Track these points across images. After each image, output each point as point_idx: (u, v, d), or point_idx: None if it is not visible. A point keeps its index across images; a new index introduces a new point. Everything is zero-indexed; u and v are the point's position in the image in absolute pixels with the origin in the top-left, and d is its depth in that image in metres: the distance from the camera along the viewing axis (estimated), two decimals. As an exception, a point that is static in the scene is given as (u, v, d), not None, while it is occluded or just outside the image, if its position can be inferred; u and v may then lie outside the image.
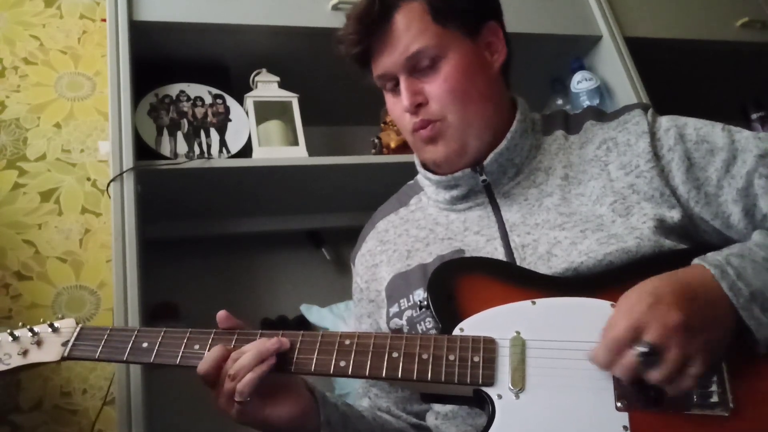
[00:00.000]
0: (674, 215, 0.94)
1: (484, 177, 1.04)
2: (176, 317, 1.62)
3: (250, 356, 0.85)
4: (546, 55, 1.87)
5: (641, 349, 0.73)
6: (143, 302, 1.25)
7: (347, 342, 0.87)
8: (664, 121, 1.02)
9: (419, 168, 1.14)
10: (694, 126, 1.00)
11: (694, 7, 2.04)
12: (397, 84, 1.04)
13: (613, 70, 1.83)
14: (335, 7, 1.59)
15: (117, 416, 1.16)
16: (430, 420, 1.05)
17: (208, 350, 0.89)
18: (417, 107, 1.01)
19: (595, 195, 0.99)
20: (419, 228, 1.11)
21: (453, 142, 1.02)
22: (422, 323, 1.00)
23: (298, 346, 0.89)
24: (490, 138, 1.04)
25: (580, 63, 1.88)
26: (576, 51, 1.91)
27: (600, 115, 1.10)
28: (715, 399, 0.76)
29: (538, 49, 1.82)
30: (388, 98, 1.08)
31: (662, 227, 0.93)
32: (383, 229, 1.17)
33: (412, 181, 1.22)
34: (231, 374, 0.85)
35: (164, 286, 1.60)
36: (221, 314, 0.93)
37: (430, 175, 1.10)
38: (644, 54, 1.85)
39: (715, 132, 0.98)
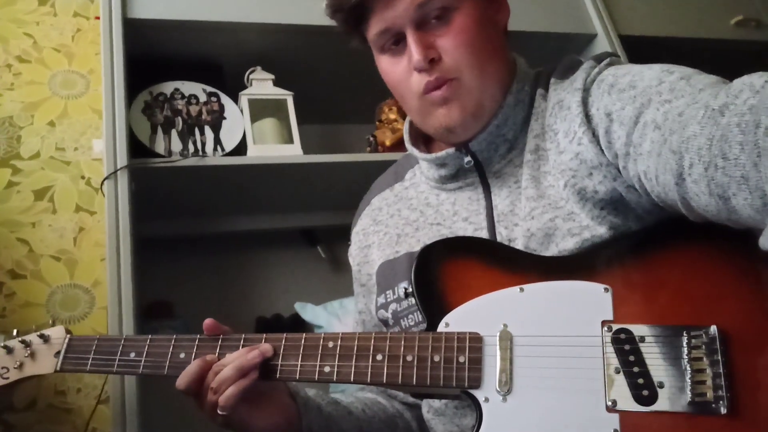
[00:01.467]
0: (618, 186, 0.84)
1: (469, 159, 0.96)
2: (171, 316, 1.62)
3: (230, 370, 0.84)
4: (540, 53, 1.87)
5: None
6: (138, 301, 1.24)
7: (330, 344, 0.86)
8: (607, 71, 0.89)
9: (408, 144, 1.06)
10: (635, 72, 0.84)
11: (689, 5, 2.05)
12: (399, 43, 0.93)
13: (607, 68, 1.83)
14: (330, 5, 1.58)
15: (111, 415, 1.16)
16: (424, 412, 1.04)
17: (194, 358, 0.88)
18: (429, 63, 0.90)
19: (557, 173, 0.89)
20: (411, 209, 1.06)
21: (469, 103, 0.92)
22: (405, 319, 0.98)
23: (281, 351, 0.87)
24: (501, 101, 0.95)
25: (575, 61, 1.88)
26: (570, 49, 1.91)
27: (566, 71, 0.97)
28: (710, 397, 0.70)
29: (532, 47, 1.81)
30: (385, 60, 0.96)
31: (622, 201, 0.84)
32: (377, 206, 1.14)
33: (410, 153, 1.11)
34: (213, 388, 0.84)
35: (159, 284, 1.60)
36: (207, 323, 0.91)
37: (417, 152, 1.03)
38: (639, 52, 1.85)
39: (651, 74, 0.82)
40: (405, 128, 1.08)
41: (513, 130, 0.96)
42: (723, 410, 0.70)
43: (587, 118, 0.86)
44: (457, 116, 0.93)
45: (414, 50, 0.90)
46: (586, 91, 0.88)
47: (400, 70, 0.94)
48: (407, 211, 1.07)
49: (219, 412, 0.83)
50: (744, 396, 0.70)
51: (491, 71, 0.94)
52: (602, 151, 0.84)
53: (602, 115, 0.84)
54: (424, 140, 1.08)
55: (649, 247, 0.81)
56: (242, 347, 0.88)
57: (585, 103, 0.87)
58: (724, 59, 2.13)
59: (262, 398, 0.89)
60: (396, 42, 0.94)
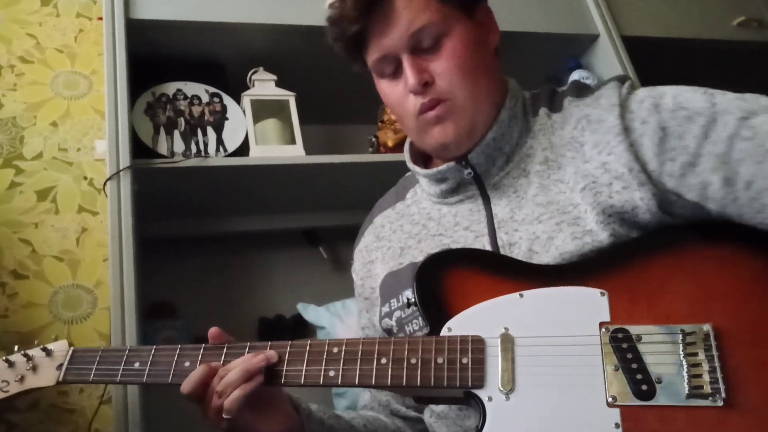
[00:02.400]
0: (643, 195, 0.87)
1: (469, 170, 1.01)
2: (173, 316, 1.62)
3: (236, 373, 0.84)
4: (543, 54, 1.87)
5: None
6: (140, 301, 1.25)
7: (335, 350, 0.87)
8: (641, 92, 0.95)
9: (408, 162, 1.11)
10: (672, 94, 0.92)
11: (691, 6, 2.04)
12: (396, 68, 0.99)
13: (610, 69, 1.83)
14: (332, 6, 1.58)
15: (114, 415, 1.16)
16: (426, 417, 1.05)
17: (199, 365, 0.88)
18: (424, 86, 0.96)
19: (572, 181, 0.94)
20: (413, 224, 1.10)
21: (462, 121, 0.97)
22: (410, 324, 0.99)
23: (286, 357, 0.88)
24: (494, 118, 1.00)
25: (577, 62, 1.88)
26: (573, 50, 1.91)
27: (580, 91, 1.03)
28: (707, 390, 0.75)
29: (534, 47, 1.82)
30: (384, 84, 1.02)
31: (631, 218, 0.88)
32: (380, 224, 1.17)
33: (410, 173, 1.18)
34: (218, 391, 0.84)
35: (161, 284, 1.60)
36: (212, 332, 0.92)
37: (418, 169, 1.07)
38: (641, 53, 1.85)
39: (694, 97, 0.90)
40: (405, 148, 1.13)
41: (509, 145, 1.01)
42: (719, 402, 0.74)
43: (626, 130, 0.91)
44: (451, 134, 0.98)
45: (409, 74, 0.96)
46: (622, 107, 0.93)
47: (398, 93, 1.00)
48: (409, 226, 1.10)
49: (224, 416, 0.84)
50: (739, 388, 0.75)
51: (482, 90, 0.99)
52: (636, 159, 0.89)
53: (652, 130, 0.89)
54: (423, 160, 1.12)
55: (642, 252, 0.85)
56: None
57: (623, 117, 0.92)
58: (726, 60, 2.13)
59: (266, 405, 0.90)
60: (396, 68, 0.99)
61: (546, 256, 0.90)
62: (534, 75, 1.92)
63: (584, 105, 0.99)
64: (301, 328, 1.74)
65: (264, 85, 1.65)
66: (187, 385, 0.86)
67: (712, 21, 2.04)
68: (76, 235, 1.60)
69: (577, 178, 0.93)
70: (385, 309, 1.05)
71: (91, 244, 1.60)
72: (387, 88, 1.02)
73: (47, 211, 1.61)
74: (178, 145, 1.49)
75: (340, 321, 1.63)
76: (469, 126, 0.98)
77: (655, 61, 1.93)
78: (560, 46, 1.87)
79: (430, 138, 1.00)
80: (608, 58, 1.83)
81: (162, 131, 1.50)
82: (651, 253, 0.84)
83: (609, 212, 0.88)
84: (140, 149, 1.43)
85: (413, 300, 0.90)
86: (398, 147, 1.71)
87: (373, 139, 1.80)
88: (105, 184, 1.32)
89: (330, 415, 1.02)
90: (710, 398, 0.74)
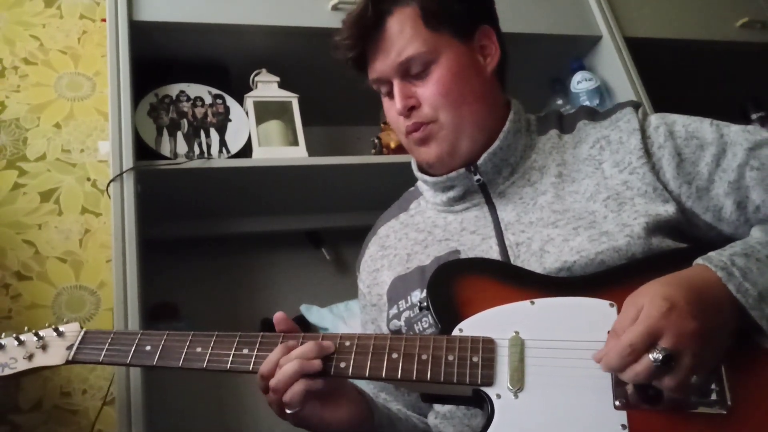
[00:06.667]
0: (668, 209, 0.95)
1: (478, 177, 1.05)
2: (176, 317, 1.62)
3: (292, 367, 0.84)
4: (546, 56, 1.87)
5: (659, 356, 0.73)
6: (143, 302, 1.25)
7: (347, 343, 0.88)
8: (654, 119, 1.03)
9: (416, 171, 1.15)
10: (682, 123, 1.01)
11: (694, 7, 2.04)
12: (390, 89, 1.06)
13: (613, 70, 1.83)
14: (335, 7, 1.59)
15: (117, 416, 1.16)
16: (430, 419, 1.06)
17: (211, 351, 0.89)
18: (409, 110, 1.03)
19: (589, 192, 0.99)
20: (418, 231, 1.12)
21: (444, 144, 1.04)
22: (419, 323, 1.01)
23: None
24: (484, 139, 1.05)
25: (580, 63, 1.88)
26: (576, 51, 1.91)
27: (592, 114, 1.11)
28: (713, 397, 0.77)
29: (537, 49, 1.82)
30: (385, 101, 1.10)
31: (654, 224, 0.93)
32: (384, 234, 1.19)
33: (412, 188, 1.23)
34: (272, 386, 0.85)
35: (164, 286, 1.60)
36: (278, 316, 0.92)
37: (426, 177, 1.11)
38: (644, 54, 1.85)
39: (703, 127, 0.99)
40: (413, 159, 1.16)
41: (514, 156, 1.07)
42: (725, 409, 0.77)
43: (647, 154, 0.99)
44: (434, 154, 1.05)
45: (396, 99, 1.04)
46: (643, 132, 1.01)
47: (393, 112, 1.07)
48: (415, 234, 1.12)
49: (286, 410, 0.85)
50: (742, 395, 0.78)
51: (467, 115, 1.04)
52: (658, 180, 0.97)
53: (669, 154, 0.98)
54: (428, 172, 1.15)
55: (651, 270, 0.86)
56: (258, 347, 0.89)
57: (645, 142, 0.99)
58: (729, 61, 2.13)
59: (334, 394, 0.91)
60: (391, 88, 1.06)
61: (558, 258, 0.92)
62: (537, 76, 1.93)
63: (601, 127, 1.06)
64: (304, 330, 1.73)
65: (267, 87, 1.65)
66: (265, 366, 0.86)
67: (715, 22, 2.04)
68: (79, 237, 1.61)
69: (599, 189, 0.99)
70: (393, 311, 1.06)
71: (95, 246, 1.61)
72: (386, 106, 1.11)
73: (50, 212, 1.61)
74: (181, 147, 1.50)
75: (343, 323, 1.63)
76: (450, 149, 1.04)
77: (658, 63, 1.93)
78: (563, 47, 1.87)
79: (418, 155, 1.08)
80: (611, 59, 1.83)
81: (165, 133, 1.50)
82: (660, 272, 0.85)
83: (633, 217, 0.93)
84: (143, 151, 1.43)
85: (425, 304, 0.93)
86: (401, 148, 1.71)
87: (376, 141, 1.80)
88: (108, 185, 1.32)
89: (383, 405, 1.05)
90: (716, 406, 0.77)
